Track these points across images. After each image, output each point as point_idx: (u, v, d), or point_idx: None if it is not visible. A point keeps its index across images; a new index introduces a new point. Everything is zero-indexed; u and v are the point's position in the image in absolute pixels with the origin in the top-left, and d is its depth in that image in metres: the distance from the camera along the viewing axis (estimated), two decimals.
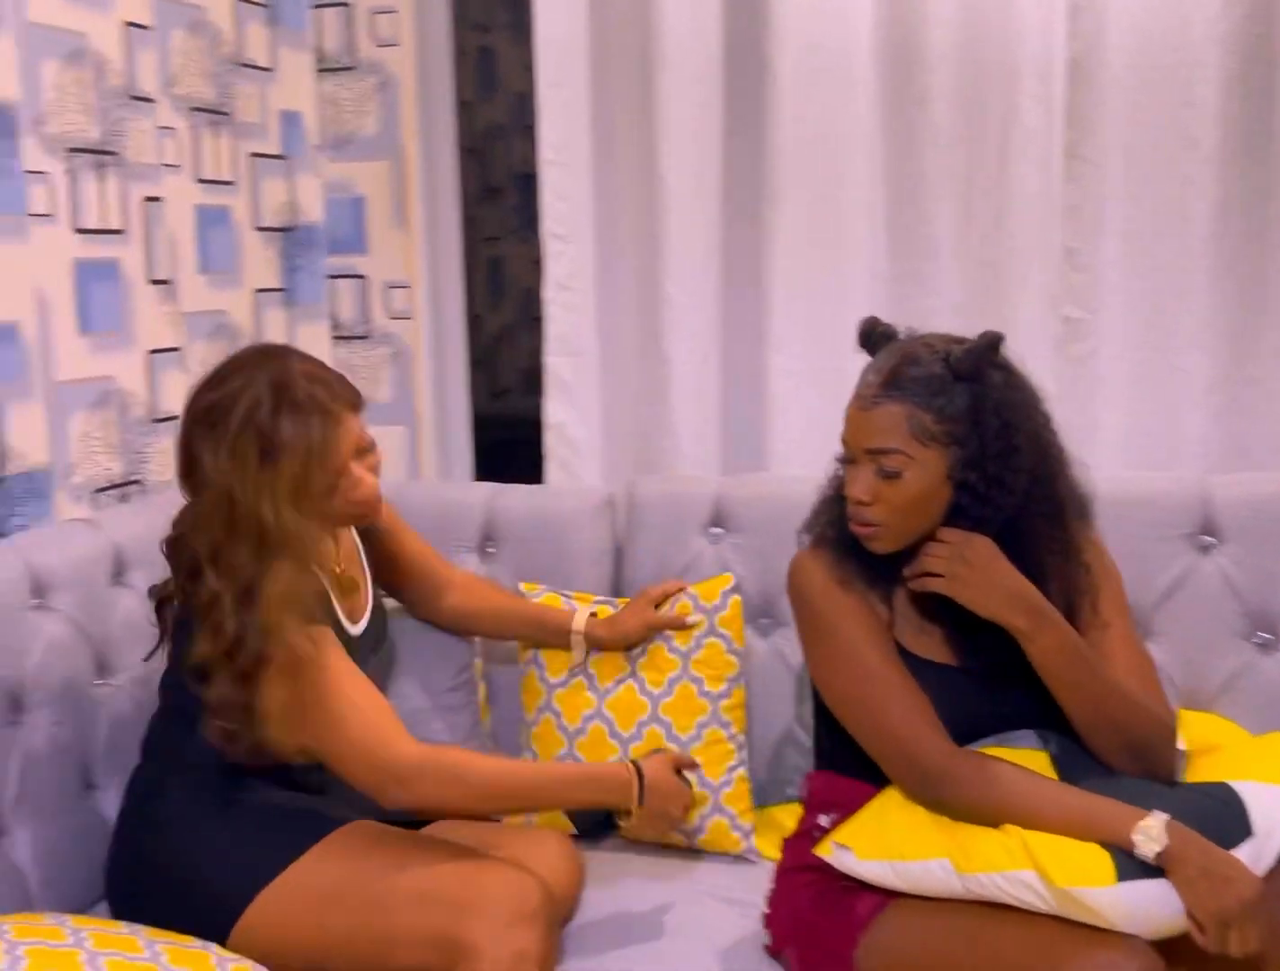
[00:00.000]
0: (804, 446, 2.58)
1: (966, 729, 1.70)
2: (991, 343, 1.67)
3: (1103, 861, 1.52)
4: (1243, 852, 1.53)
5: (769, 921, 1.81)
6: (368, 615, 1.97)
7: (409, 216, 2.91)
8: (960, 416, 1.65)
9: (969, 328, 2.45)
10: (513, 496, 2.41)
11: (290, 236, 2.84)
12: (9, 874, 1.82)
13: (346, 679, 1.73)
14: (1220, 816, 1.57)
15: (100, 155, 2.26)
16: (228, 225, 2.64)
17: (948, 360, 1.66)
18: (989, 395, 1.65)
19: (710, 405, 2.69)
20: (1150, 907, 1.50)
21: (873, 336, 1.77)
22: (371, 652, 1.99)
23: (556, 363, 2.74)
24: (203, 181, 2.56)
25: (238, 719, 1.70)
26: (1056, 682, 1.67)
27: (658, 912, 1.93)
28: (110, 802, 1.96)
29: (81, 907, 1.91)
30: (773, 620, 2.30)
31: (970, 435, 1.65)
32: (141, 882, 1.80)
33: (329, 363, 2.88)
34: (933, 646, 1.76)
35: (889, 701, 1.69)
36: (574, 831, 1.99)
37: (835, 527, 1.77)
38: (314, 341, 2.91)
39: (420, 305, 2.94)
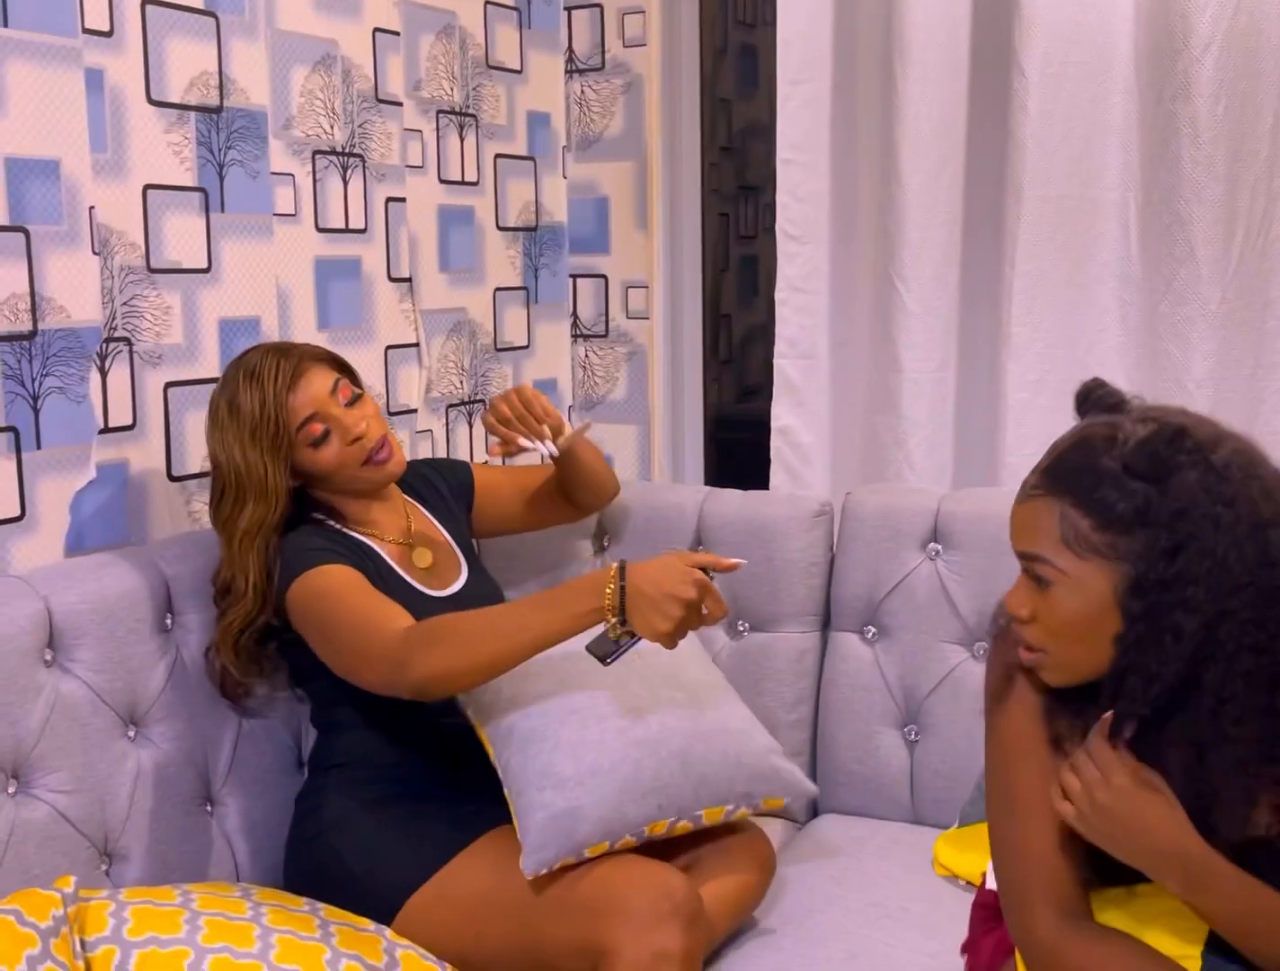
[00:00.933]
0: (1038, 460, 2.44)
1: None
2: (1166, 435, 1.28)
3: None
4: None
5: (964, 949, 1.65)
6: (462, 580, 2.02)
7: (651, 217, 2.92)
8: (1128, 526, 1.28)
9: (1226, 343, 2.36)
10: (725, 501, 2.38)
11: (533, 236, 2.89)
12: (219, 843, 1.92)
13: (354, 599, 1.77)
14: None
15: (345, 156, 2.36)
16: (470, 224, 2.71)
17: (1125, 450, 1.30)
18: (1169, 501, 1.27)
19: (944, 415, 2.59)
20: None
21: (1088, 401, 1.41)
22: None
23: (786, 365, 2.69)
24: (446, 182, 2.64)
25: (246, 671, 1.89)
26: (1231, 939, 1.31)
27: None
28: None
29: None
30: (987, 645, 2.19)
31: (1137, 550, 1.28)
32: (307, 881, 1.85)
33: (568, 359, 3.02)
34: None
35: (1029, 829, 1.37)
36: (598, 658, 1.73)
37: None
38: (554, 339, 2.96)
39: (657, 306, 2.94)
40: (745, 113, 4.42)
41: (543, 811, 1.73)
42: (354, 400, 1.93)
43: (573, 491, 2.25)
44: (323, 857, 1.85)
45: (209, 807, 1.93)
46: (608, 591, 1.65)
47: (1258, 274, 2.33)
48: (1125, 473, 1.28)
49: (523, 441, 2.08)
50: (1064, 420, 2.47)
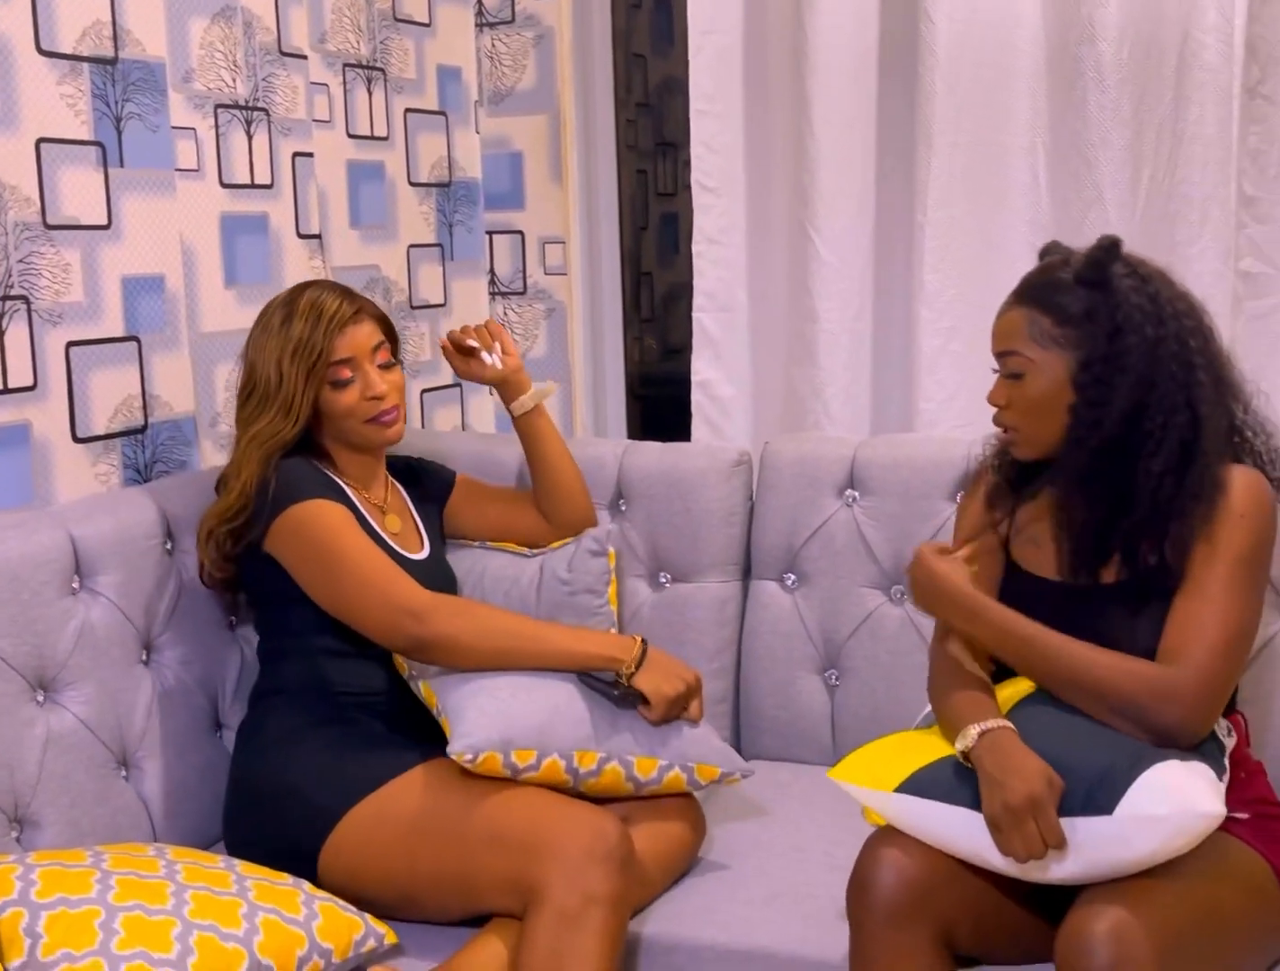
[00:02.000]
0: (952, 406, 2.47)
1: None
2: (1103, 245, 1.67)
3: (902, 769, 1.61)
4: (1090, 825, 1.49)
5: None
6: (426, 551, 2.09)
7: (565, 171, 2.89)
8: (1077, 320, 1.66)
9: None
10: (644, 454, 2.37)
11: (447, 192, 2.86)
12: (134, 807, 1.90)
13: (360, 539, 1.89)
14: (1096, 781, 1.50)
15: (249, 111, 2.31)
16: (381, 180, 2.68)
17: (1074, 266, 1.69)
18: (1108, 300, 1.65)
19: (860, 364, 2.60)
20: (920, 823, 1.58)
21: (1048, 252, 1.81)
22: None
23: (705, 318, 2.69)
24: (355, 137, 2.60)
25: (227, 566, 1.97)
26: (1005, 662, 1.71)
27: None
28: None
29: (206, 843, 1.98)
30: (904, 586, 2.21)
31: (1085, 339, 1.66)
32: (247, 802, 1.90)
33: (485, 317, 2.99)
34: (1044, 562, 1.75)
35: None
36: None
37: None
38: (471, 296, 2.94)
39: (575, 261, 2.93)
40: (662, 68, 4.40)
41: (475, 710, 1.78)
42: (388, 366, 2.02)
43: (542, 493, 2.23)
44: (265, 771, 1.88)
45: (124, 772, 1.90)
46: (632, 647, 1.87)
47: (1164, 217, 2.36)
48: (1076, 282, 1.67)
49: (471, 341, 2.19)
50: (978, 367, 2.51)
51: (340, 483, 2.03)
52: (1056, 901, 1.54)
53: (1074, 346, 1.67)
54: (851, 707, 2.22)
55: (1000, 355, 1.74)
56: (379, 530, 2.04)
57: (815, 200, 2.54)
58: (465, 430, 2.92)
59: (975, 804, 1.54)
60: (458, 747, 1.74)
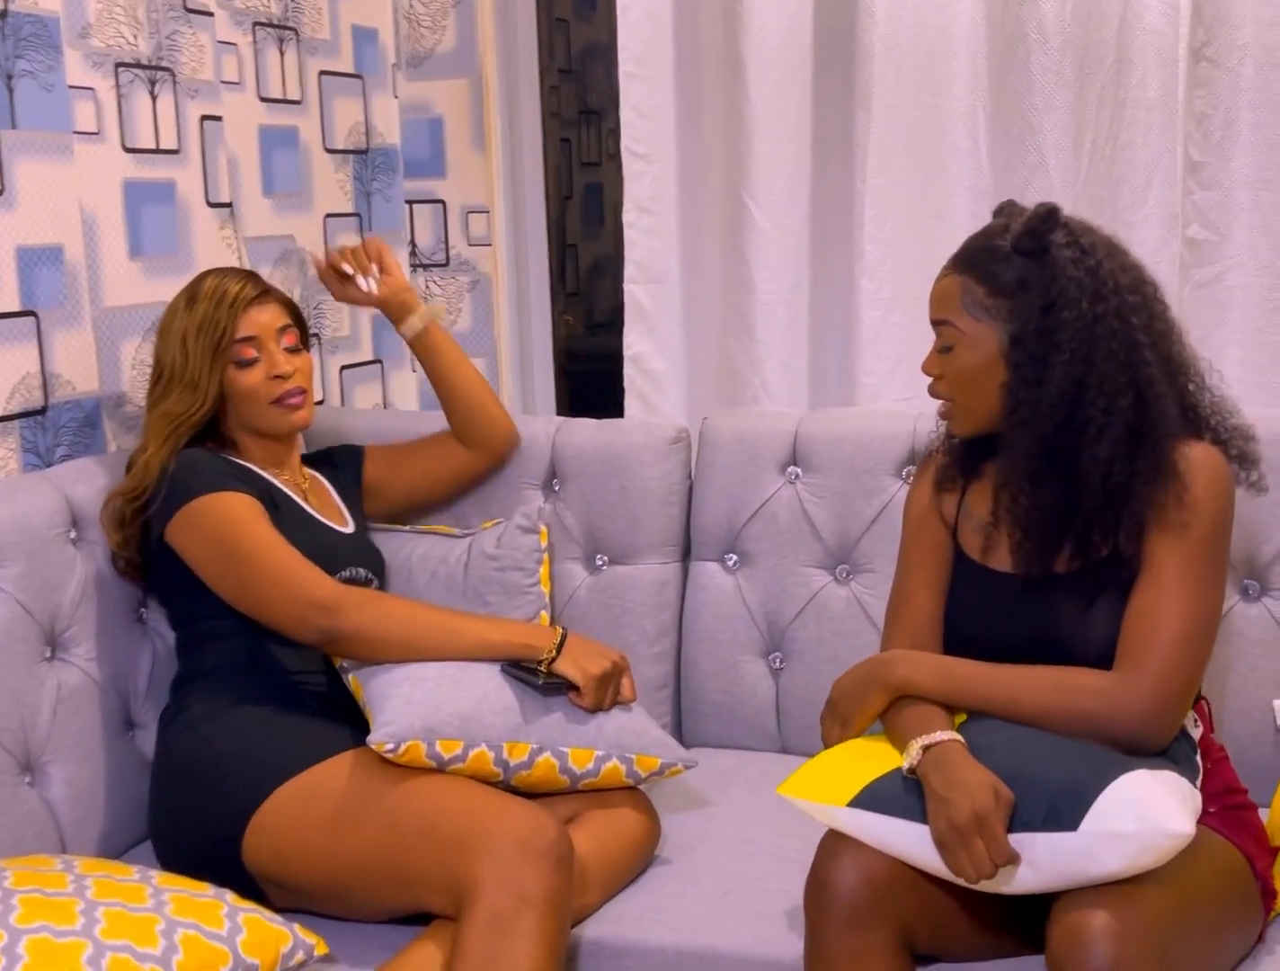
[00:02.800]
0: (893, 380, 2.41)
1: (1009, 636, 1.63)
2: (1040, 213, 1.58)
3: (854, 782, 1.52)
4: (1052, 840, 1.41)
5: None
6: (351, 527, 2.05)
7: (489, 138, 2.78)
8: (1010, 291, 1.58)
9: None
10: (579, 431, 2.28)
11: (364, 159, 2.74)
12: (39, 814, 1.77)
13: (265, 531, 1.81)
14: (1059, 794, 1.42)
15: (152, 70, 2.17)
16: (295, 146, 2.55)
17: (1012, 234, 1.60)
18: (1045, 271, 1.57)
19: (798, 336, 2.53)
20: (875, 837, 1.49)
21: (1001, 213, 1.72)
22: (366, 567, 2.00)
23: (636, 290, 2.61)
24: (266, 100, 2.46)
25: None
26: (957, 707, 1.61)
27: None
28: (151, 741, 1.93)
29: (119, 849, 1.88)
30: (849, 565, 2.14)
31: (1017, 311, 1.58)
32: (171, 782, 1.83)
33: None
34: (993, 552, 1.68)
35: None
36: None
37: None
38: None
39: (500, 232, 2.82)
40: (584, 34, 4.28)
41: (398, 698, 1.70)
42: (295, 350, 1.98)
43: (452, 413, 2.18)
44: (190, 750, 1.80)
45: (28, 777, 1.77)
46: (551, 635, 1.79)
47: (1107, 182, 2.31)
48: (1013, 250, 1.59)
49: (346, 267, 2.12)
50: (920, 338, 2.45)
51: (254, 468, 1.96)
52: (1020, 898, 1.48)
53: (1005, 319, 1.59)
54: (797, 692, 2.15)
55: (935, 323, 1.67)
56: (303, 504, 1.97)
57: (750, 166, 2.46)
58: (386, 408, 2.80)
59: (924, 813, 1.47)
60: (379, 736, 1.66)
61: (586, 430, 2.28)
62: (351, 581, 1.95)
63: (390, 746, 1.65)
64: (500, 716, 1.72)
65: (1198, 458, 1.57)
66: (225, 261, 2.34)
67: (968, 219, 2.38)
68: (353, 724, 1.79)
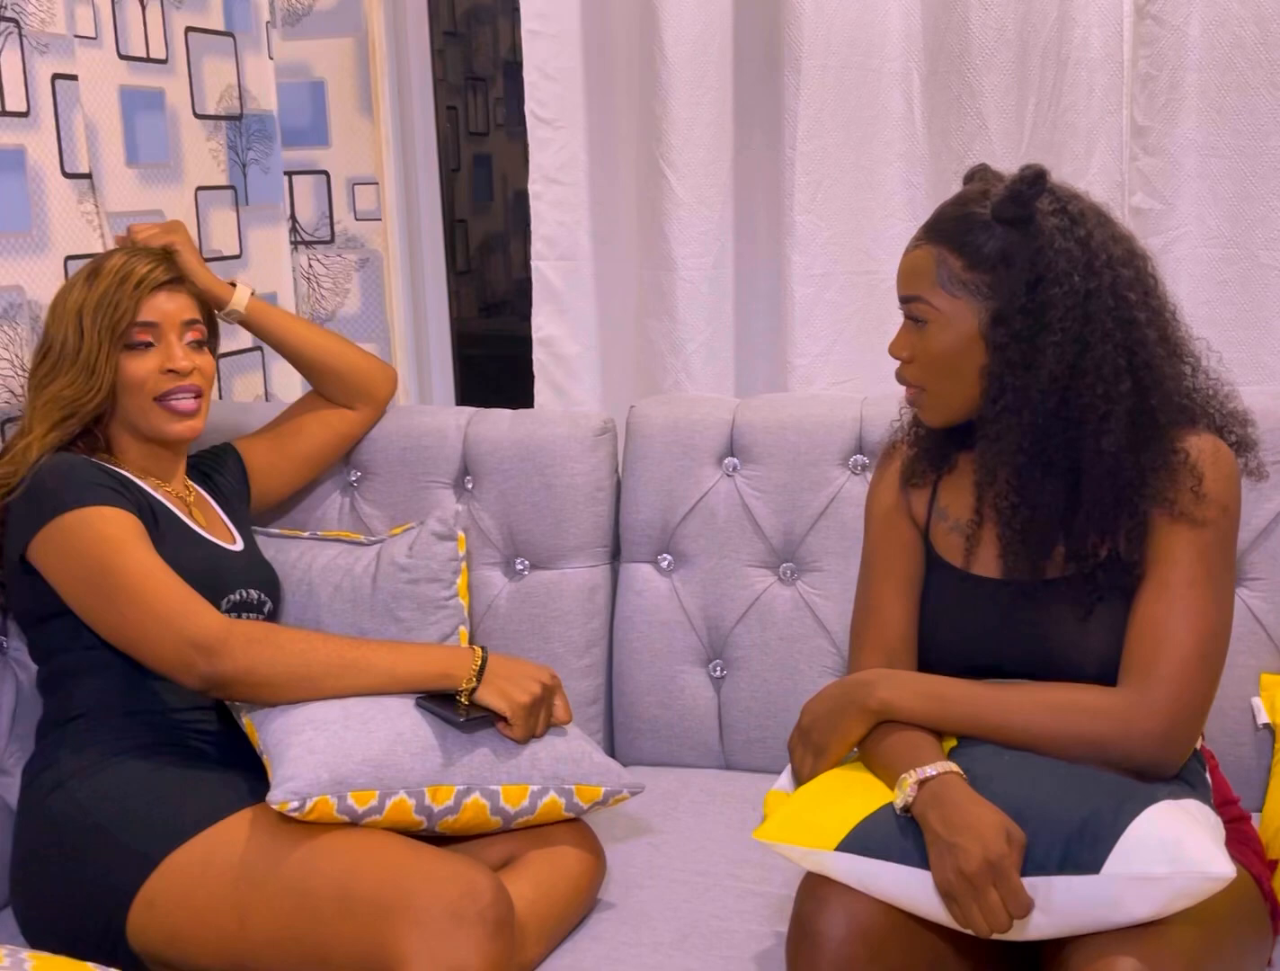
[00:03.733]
0: (828, 362, 2.25)
1: (995, 650, 1.49)
2: (1026, 176, 1.42)
3: (840, 821, 1.35)
4: (1072, 885, 1.25)
5: None
6: (240, 544, 1.85)
7: (376, 102, 2.55)
8: (991, 263, 1.43)
9: None
10: (494, 423, 2.07)
11: (238, 126, 2.48)
12: None
13: (142, 555, 1.59)
14: (1076, 832, 1.27)
15: None
16: (161, 110, 2.28)
17: (993, 200, 1.44)
18: (1030, 242, 1.41)
19: (723, 316, 2.35)
20: (871, 884, 1.31)
21: (974, 178, 1.56)
22: (258, 588, 1.81)
23: (544, 267, 2.41)
24: (127, 58, 2.20)
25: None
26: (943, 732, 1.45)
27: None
28: (14, 790, 1.68)
29: None
30: (794, 564, 1.98)
31: (1000, 287, 1.43)
32: (38, 855, 1.57)
33: (288, 269, 2.63)
34: (973, 555, 1.52)
35: None
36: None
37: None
38: (270, 245, 2.57)
39: (390, 205, 2.58)
40: None
41: (299, 747, 1.48)
42: (198, 347, 1.80)
43: (322, 381, 2.03)
44: (59, 816, 1.55)
45: None
46: (469, 660, 1.58)
47: (1050, 147, 2.17)
48: (994, 219, 1.43)
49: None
50: (854, 316, 2.30)
51: (133, 478, 1.73)
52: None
53: (985, 295, 1.43)
54: (741, 702, 1.98)
55: (903, 300, 1.50)
56: (188, 522, 1.75)
57: (668, 131, 2.27)
58: (269, 399, 2.55)
59: (921, 858, 1.31)
60: (279, 794, 1.44)
61: (502, 422, 2.07)
62: (242, 605, 1.73)
63: (294, 805, 1.44)
64: (419, 758, 1.52)
65: (1207, 448, 1.43)
66: (86, 239, 2.08)
67: (902, 188, 2.24)
68: (252, 772, 1.57)
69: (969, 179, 1.57)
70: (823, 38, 2.18)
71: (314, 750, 1.46)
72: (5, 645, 1.76)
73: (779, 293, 2.27)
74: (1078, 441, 1.41)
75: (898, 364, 1.53)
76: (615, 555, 2.08)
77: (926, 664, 1.55)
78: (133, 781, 1.55)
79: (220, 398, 2.44)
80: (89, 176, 2.10)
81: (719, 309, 2.33)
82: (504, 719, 1.56)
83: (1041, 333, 1.40)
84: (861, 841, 1.33)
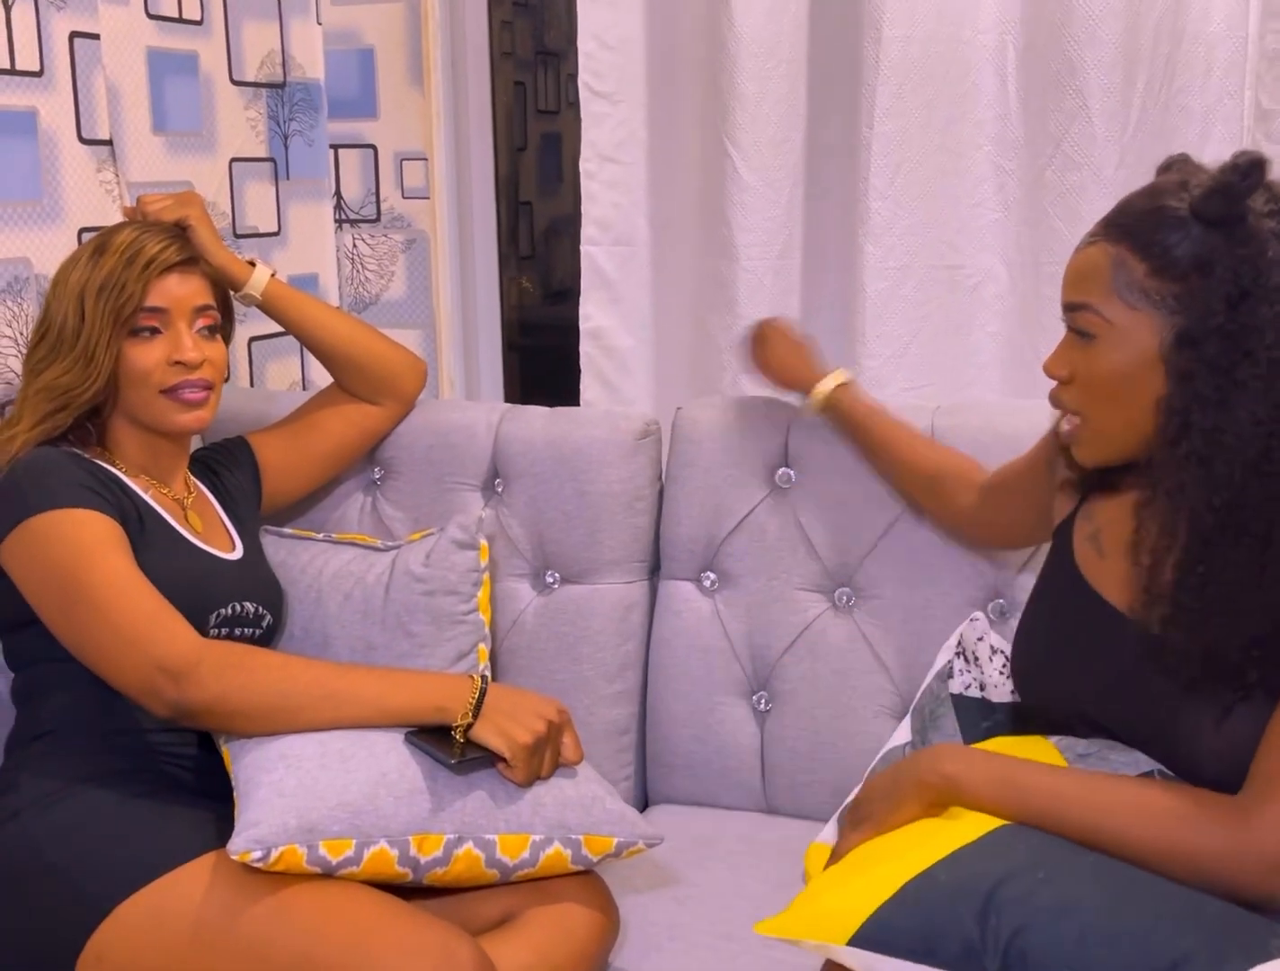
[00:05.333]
0: (901, 365, 2.04)
1: (1110, 687, 1.27)
2: (1239, 165, 1.17)
3: (860, 901, 1.14)
4: None
5: None
6: (239, 552, 1.68)
7: (427, 73, 2.39)
8: (1183, 271, 1.18)
9: None
10: (526, 421, 1.90)
11: (280, 94, 2.33)
12: None
13: (116, 566, 1.44)
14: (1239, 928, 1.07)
15: None
16: (194, 75, 2.14)
17: (1194, 193, 1.20)
18: (1236, 248, 1.16)
19: (788, 311, 2.16)
20: None
21: (1170, 169, 1.31)
22: (255, 600, 1.63)
23: (596, 253, 2.23)
24: (156, 18, 2.06)
25: None
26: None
27: None
28: None
29: None
30: (851, 590, 1.78)
31: (1192, 300, 1.18)
32: None
33: (331, 250, 2.48)
34: (1108, 580, 1.31)
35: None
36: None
37: None
38: (312, 224, 2.42)
39: (439, 182, 2.42)
40: None
41: (268, 788, 1.33)
42: (210, 334, 1.65)
43: (345, 373, 1.87)
44: (14, 847, 1.41)
45: None
46: (466, 691, 1.41)
47: (1160, 133, 1.95)
48: (1192, 216, 1.19)
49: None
50: (933, 315, 2.08)
51: (124, 478, 1.58)
52: None
53: (1172, 309, 1.19)
54: (787, 740, 1.78)
55: (1068, 308, 1.27)
56: (179, 529, 1.60)
57: (734, 107, 2.08)
58: (307, 388, 2.41)
59: (957, 961, 1.09)
60: (240, 844, 1.28)
61: (536, 421, 1.90)
62: (235, 619, 1.58)
63: (257, 855, 1.27)
64: (404, 801, 1.35)
65: None
66: (104, 210, 1.95)
67: (992, 173, 2.03)
68: (230, 804, 1.41)
69: (1164, 169, 1.32)
70: (907, 6, 1.98)
71: (283, 792, 1.30)
72: None
73: (850, 287, 2.07)
74: (1273, 502, 1.16)
75: (1053, 384, 1.30)
76: (654, 571, 1.90)
77: (1027, 692, 1.35)
78: (93, 816, 1.40)
79: (251, 384, 2.30)
80: (109, 143, 1.97)
81: (784, 303, 2.14)
82: (504, 759, 1.39)
83: (1243, 362, 1.16)
84: (876, 934, 1.12)
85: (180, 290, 1.61)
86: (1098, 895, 1.10)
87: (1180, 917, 1.07)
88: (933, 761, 1.24)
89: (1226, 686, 1.18)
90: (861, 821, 1.26)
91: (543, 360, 2.85)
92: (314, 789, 1.31)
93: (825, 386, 1.73)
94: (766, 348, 1.79)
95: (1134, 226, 1.22)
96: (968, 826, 1.19)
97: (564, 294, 3.79)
